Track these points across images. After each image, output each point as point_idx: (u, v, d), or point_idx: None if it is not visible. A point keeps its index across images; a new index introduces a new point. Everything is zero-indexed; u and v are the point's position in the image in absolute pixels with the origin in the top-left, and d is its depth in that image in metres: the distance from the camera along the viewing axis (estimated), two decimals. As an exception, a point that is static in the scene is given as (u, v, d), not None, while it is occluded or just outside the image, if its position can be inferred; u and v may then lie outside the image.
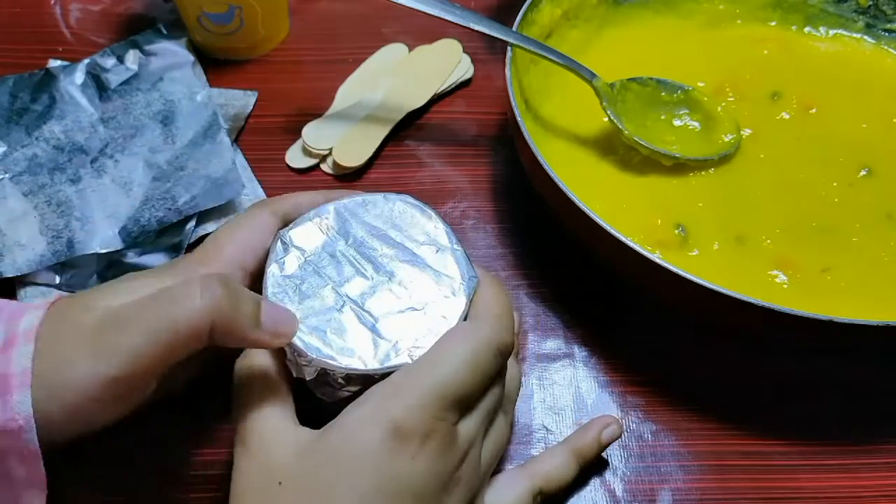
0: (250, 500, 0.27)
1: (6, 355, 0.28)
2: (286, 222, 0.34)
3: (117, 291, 0.30)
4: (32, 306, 0.29)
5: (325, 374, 0.30)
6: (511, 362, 0.33)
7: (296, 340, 0.30)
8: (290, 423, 0.29)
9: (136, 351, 0.27)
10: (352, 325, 0.30)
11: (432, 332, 0.30)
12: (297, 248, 0.33)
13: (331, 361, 0.29)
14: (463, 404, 0.28)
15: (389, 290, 0.31)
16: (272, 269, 0.32)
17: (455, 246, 0.32)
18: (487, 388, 0.30)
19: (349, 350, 0.30)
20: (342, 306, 0.31)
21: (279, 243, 0.33)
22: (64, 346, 0.28)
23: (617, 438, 0.36)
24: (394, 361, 0.29)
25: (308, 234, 0.33)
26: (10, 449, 0.27)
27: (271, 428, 0.28)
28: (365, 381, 0.29)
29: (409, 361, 0.29)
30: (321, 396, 0.31)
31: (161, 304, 0.28)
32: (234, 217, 0.34)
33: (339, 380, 0.30)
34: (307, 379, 0.30)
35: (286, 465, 0.27)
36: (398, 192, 0.34)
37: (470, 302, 0.31)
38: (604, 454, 0.37)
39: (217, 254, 0.33)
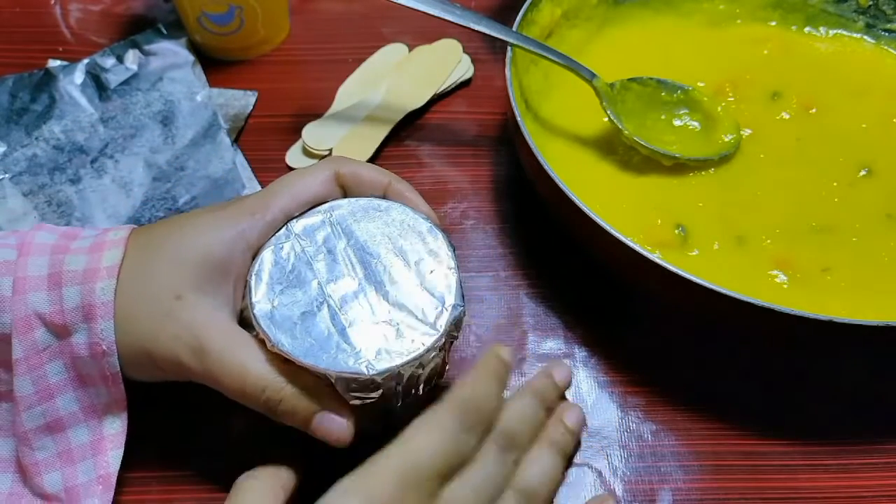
0: None
1: (90, 286, 0.31)
2: (344, 186, 0.35)
3: (193, 227, 0.33)
4: (112, 241, 0.32)
5: (285, 363, 0.30)
6: (546, 452, 0.33)
7: (263, 325, 0.30)
8: None
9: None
10: (323, 324, 0.30)
11: (396, 352, 0.30)
12: (298, 237, 0.33)
13: (288, 353, 0.30)
14: (445, 475, 0.29)
15: (372, 299, 0.31)
16: (267, 252, 0.33)
17: (452, 272, 0.32)
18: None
19: (311, 347, 0.30)
20: (321, 304, 0.31)
21: (283, 229, 0.33)
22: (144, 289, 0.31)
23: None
24: (347, 368, 0.29)
25: (313, 227, 0.33)
26: (95, 372, 0.32)
27: None
28: (316, 378, 0.30)
29: (365, 372, 0.29)
30: None
31: None
32: (298, 169, 0.36)
33: (296, 369, 0.30)
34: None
35: None
36: (414, 209, 0.34)
37: (445, 332, 0.31)
38: (604, 454, 0.37)
39: (270, 202, 0.34)
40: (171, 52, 0.53)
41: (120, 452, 0.33)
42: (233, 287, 0.33)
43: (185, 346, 0.31)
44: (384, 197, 0.35)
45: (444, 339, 0.31)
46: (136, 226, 0.34)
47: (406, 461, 0.28)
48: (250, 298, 0.31)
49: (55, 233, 0.33)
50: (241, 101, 0.52)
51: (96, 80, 0.51)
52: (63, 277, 0.31)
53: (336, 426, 0.31)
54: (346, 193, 0.36)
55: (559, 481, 0.34)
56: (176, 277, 0.31)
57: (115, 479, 0.33)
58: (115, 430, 0.33)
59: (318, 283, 0.31)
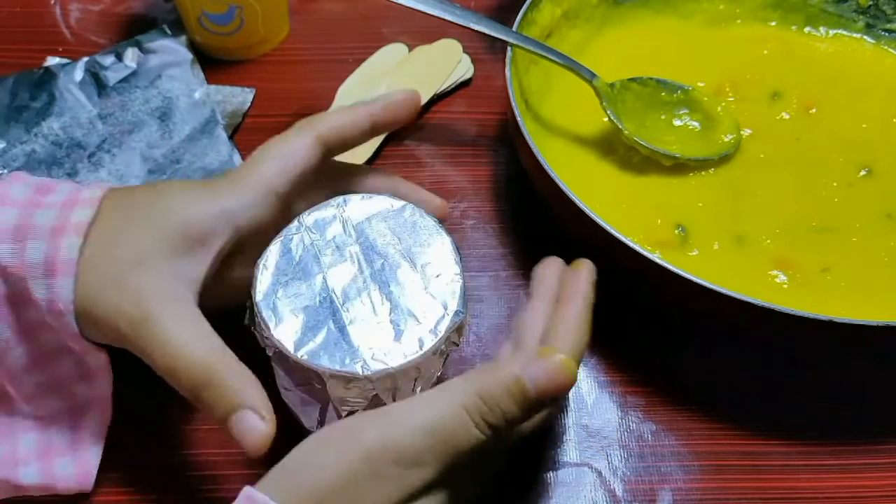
0: None
1: (55, 242, 0.30)
2: (328, 147, 0.35)
3: (174, 196, 0.33)
4: (86, 199, 0.31)
5: (280, 356, 0.30)
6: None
7: (264, 315, 0.30)
8: None
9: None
10: (323, 319, 0.30)
11: (393, 354, 0.30)
12: (308, 229, 0.33)
13: (285, 346, 0.30)
14: (412, 462, 0.27)
15: (375, 299, 0.31)
16: (276, 244, 0.32)
17: (458, 277, 0.32)
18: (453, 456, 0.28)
19: (309, 342, 0.30)
20: (324, 300, 0.31)
21: (295, 221, 0.33)
22: (116, 251, 0.31)
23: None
24: (342, 367, 0.29)
25: (324, 220, 0.33)
26: (59, 327, 0.31)
27: None
28: (310, 375, 0.30)
29: (359, 372, 0.29)
30: (283, 373, 0.31)
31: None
32: (276, 137, 0.35)
33: (290, 364, 0.30)
34: (269, 354, 0.31)
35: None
36: (427, 212, 0.34)
37: (445, 338, 0.30)
38: (604, 454, 0.37)
39: (257, 179, 0.33)
40: (170, 50, 0.53)
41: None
42: (208, 264, 0.32)
43: (125, 314, 0.30)
44: (395, 195, 0.35)
45: (443, 345, 0.30)
46: (113, 185, 0.33)
47: (389, 438, 0.27)
48: (254, 287, 0.31)
49: (30, 185, 0.32)
50: (239, 97, 0.52)
51: (95, 78, 0.51)
52: (30, 231, 0.30)
53: (253, 428, 0.28)
54: (330, 153, 0.35)
55: None
56: (144, 243, 0.31)
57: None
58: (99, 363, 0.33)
59: (323, 278, 0.31)
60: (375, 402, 0.30)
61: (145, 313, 0.30)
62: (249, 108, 0.51)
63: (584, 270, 0.34)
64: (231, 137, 0.50)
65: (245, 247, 0.34)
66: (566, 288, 0.34)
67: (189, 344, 0.29)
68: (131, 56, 0.52)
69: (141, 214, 0.31)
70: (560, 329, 0.31)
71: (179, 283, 0.31)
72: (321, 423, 0.32)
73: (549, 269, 0.36)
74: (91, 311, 0.30)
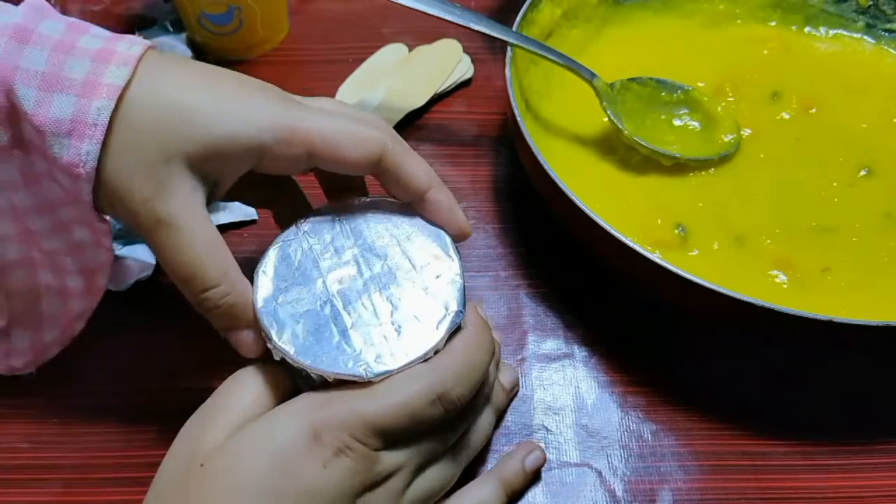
0: (171, 477, 0.29)
1: (85, 102, 0.28)
2: (378, 172, 0.32)
3: (223, 90, 0.30)
4: (122, 56, 0.28)
5: (284, 360, 0.30)
6: (486, 412, 0.34)
7: (265, 321, 0.30)
8: (217, 427, 0.29)
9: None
10: (325, 324, 0.30)
11: (395, 356, 0.30)
12: (306, 234, 0.33)
13: (288, 352, 0.30)
14: (388, 437, 0.29)
15: (376, 301, 0.31)
16: (275, 248, 0.32)
17: (458, 277, 0.32)
18: (424, 431, 0.30)
19: (311, 346, 0.30)
20: (324, 303, 0.31)
21: (292, 227, 0.33)
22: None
23: (541, 465, 0.36)
24: (346, 370, 0.29)
25: (322, 225, 0.33)
26: (66, 186, 0.29)
27: (223, 414, 0.29)
28: (314, 378, 0.30)
29: (363, 375, 0.29)
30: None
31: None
32: (348, 114, 0.33)
33: (295, 369, 0.30)
34: (275, 359, 0.31)
35: (214, 449, 0.28)
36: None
37: (446, 339, 0.31)
38: (604, 454, 0.37)
39: (302, 116, 0.31)
40: (169, 48, 0.53)
41: None
42: (225, 188, 0.31)
43: (151, 211, 0.29)
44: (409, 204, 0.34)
45: (444, 345, 0.31)
46: (153, 44, 0.30)
47: (364, 411, 0.28)
48: (254, 294, 0.31)
49: (62, 23, 0.29)
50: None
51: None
52: (58, 83, 0.28)
53: (252, 344, 0.31)
54: (379, 177, 0.33)
55: None
56: (176, 141, 0.29)
57: None
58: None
59: (323, 282, 0.31)
60: None
61: (173, 219, 0.29)
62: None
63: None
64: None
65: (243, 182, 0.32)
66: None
67: (212, 258, 0.30)
68: (131, 54, 0.52)
69: (177, 106, 0.29)
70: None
71: (199, 195, 0.30)
72: None
73: None
74: (115, 191, 0.29)
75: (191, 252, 0.29)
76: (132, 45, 0.29)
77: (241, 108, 0.30)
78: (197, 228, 0.29)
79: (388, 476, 0.29)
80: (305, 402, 0.29)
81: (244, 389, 0.30)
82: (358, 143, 0.31)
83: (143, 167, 0.28)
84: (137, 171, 0.28)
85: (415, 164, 0.32)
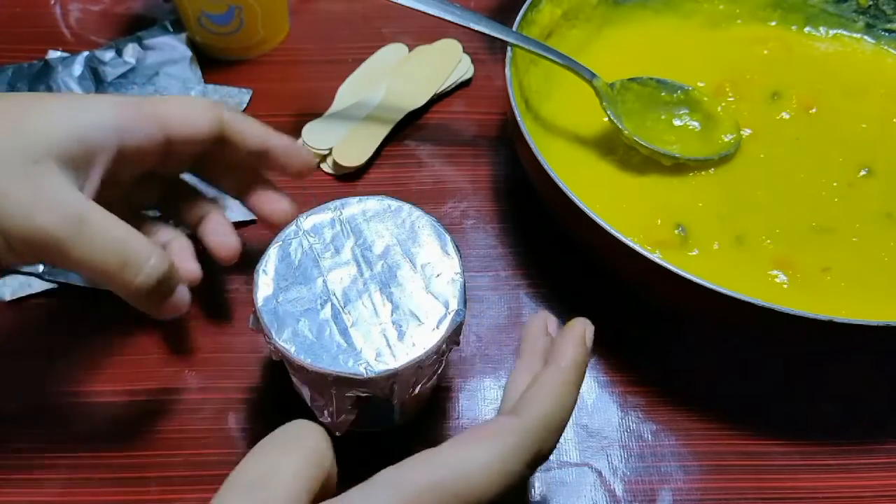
0: None
1: None
2: (225, 138, 0.35)
3: (58, 101, 0.30)
4: None
5: (285, 359, 0.30)
6: None
7: (266, 320, 0.30)
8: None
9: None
10: (326, 322, 0.30)
11: (396, 355, 0.30)
12: (306, 233, 0.33)
13: (288, 351, 0.30)
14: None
15: (376, 300, 0.31)
16: (275, 247, 0.32)
17: (458, 276, 0.32)
18: (506, 498, 0.25)
19: (311, 345, 0.30)
20: (325, 302, 0.31)
21: (292, 225, 0.33)
22: None
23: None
24: (346, 369, 0.29)
25: (322, 223, 0.33)
26: None
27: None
28: (314, 376, 0.30)
29: (363, 374, 0.29)
30: (291, 371, 0.32)
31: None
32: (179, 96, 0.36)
33: (294, 368, 0.30)
34: (274, 359, 0.31)
35: None
36: (425, 211, 0.34)
37: (446, 338, 0.30)
38: (604, 454, 0.37)
39: (147, 101, 0.33)
40: (170, 47, 0.53)
41: None
42: (90, 179, 0.30)
43: (53, 212, 0.27)
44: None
45: (444, 344, 0.31)
46: None
47: (452, 487, 0.24)
48: (255, 293, 0.31)
49: None
50: (236, 98, 0.52)
51: (94, 73, 0.51)
52: None
53: (187, 295, 0.32)
54: (224, 139, 0.35)
55: None
56: (37, 142, 0.28)
57: None
58: None
59: (324, 281, 0.31)
60: (381, 399, 0.31)
61: (83, 211, 0.28)
62: (246, 108, 0.51)
63: (575, 329, 0.30)
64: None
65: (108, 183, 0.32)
66: (554, 350, 0.29)
67: (133, 233, 0.30)
68: (131, 52, 0.52)
69: (23, 114, 0.28)
70: (532, 395, 0.27)
71: (80, 188, 0.29)
72: (333, 416, 0.32)
73: (534, 326, 0.32)
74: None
75: (114, 237, 0.29)
76: None
77: (89, 102, 0.30)
78: (105, 214, 0.29)
79: None
80: (389, 490, 0.24)
81: (292, 454, 0.24)
82: (201, 110, 0.34)
83: (13, 177, 0.27)
84: (10, 182, 0.27)
85: (250, 120, 0.36)
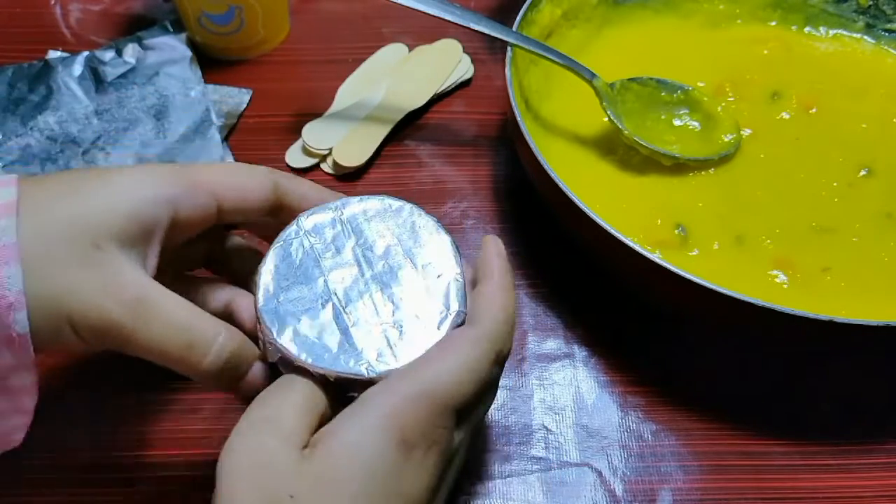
0: None
1: None
2: (279, 199, 0.33)
3: (118, 176, 0.29)
4: (2, 181, 0.27)
5: (284, 361, 0.30)
6: None
7: (266, 320, 0.30)
8: (285, 445, 0.26)
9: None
10: (326, 322, 0.30)
11: (397, 355, 0.30)
12: (308, 233, 0.33)
13: (290, 351, 0.30)
14: (462, 413, 0.28)
15: (377, 300, 0.31)
16: (276, 247, 0.32)
17: (459, 277, 0.32)
18: (482, 396, 0.30)
19: (312, 345, 0.30)
20: (326, 302, 0.31)
21: (293, 225, 0.33)
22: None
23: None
24: (347, 369, 0.29)
25: (323, 223, 0.33)
26: None
27: (265, 446, 0.26)
28: (315, 377, 0.29)
29: (364, 374, 0.29)
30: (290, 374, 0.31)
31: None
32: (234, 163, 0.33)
33: (294, 368, 0.30)
34: (269, 360, 0.31)
35: (290, 480, 0.25)
36: (427, 211, 0.34)
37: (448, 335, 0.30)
38: (604, 454, 0.37)
39: (197, 170, 0.31)
40: (170, 47, 0.53)
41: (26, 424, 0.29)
42: (148, 256, 0.29)
43: (114, 297, 0.26)
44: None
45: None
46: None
47: (443, 394, 0.27)
48: (256, 292, 0.31)
49: None
50: (236, 98, 0.52)
51: (94, 73, 0.51)
52: None
53: (265, 372, 0.30)
54: (283, 206, 0.34)
55: None
56: (97, 223, 0.27)
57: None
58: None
59: (325, 281, 0.31)
60: None
61: (143, 293, 0.27)
62: (245, 108, 0.51)
63: (490, 246, 0.33)
64: (226, 139, 0.50)
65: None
66: (481, 268, 0.33)
67: (196, 312, 0.28)
68: (131, 52, 0.52)
69: (80, 193, 0.28)
70: (479, 306, 0.31)
71: (142, 268, 0.29)
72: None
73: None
74: (62, 301, 0.26)
75: (178, 318, 0.28)
76: (4, 176, 0.28)
77: (140, 176, 0.29)
78: (167, 295, 0.28)
79: (456, 452, 0.29)
80: (378, 407, 0.27)
81: (292, 394, 0.28)
82: (253, 176, 0.32)
83: (76, 263, 0.26)
84: (77, 272, 0.26)
85: (307, 183, 0.34)
